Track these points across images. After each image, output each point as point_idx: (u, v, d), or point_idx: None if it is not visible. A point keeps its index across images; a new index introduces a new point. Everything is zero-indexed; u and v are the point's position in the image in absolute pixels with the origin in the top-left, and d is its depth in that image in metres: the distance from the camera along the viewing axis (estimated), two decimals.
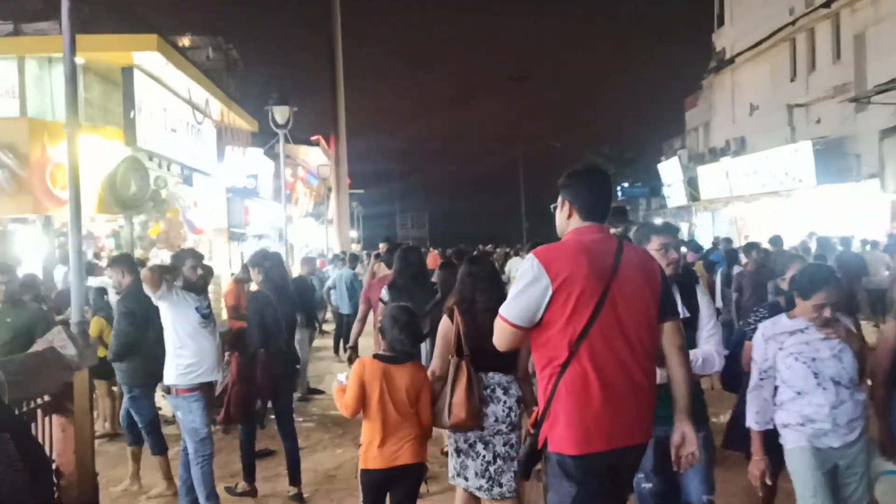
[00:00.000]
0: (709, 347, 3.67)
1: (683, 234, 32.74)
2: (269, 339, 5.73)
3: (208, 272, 6.23)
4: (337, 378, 4.14)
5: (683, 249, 12.47)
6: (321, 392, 9.91)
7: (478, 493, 4.12)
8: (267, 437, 7.52)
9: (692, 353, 3.45)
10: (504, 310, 2.92)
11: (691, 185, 29.30)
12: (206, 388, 5.32)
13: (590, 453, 2.79)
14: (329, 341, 13.78)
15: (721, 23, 29.67)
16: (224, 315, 9.58)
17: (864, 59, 19.56)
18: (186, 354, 5.18)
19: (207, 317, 5.33)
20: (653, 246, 3.67)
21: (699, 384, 3.73)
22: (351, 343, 6.72)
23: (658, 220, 39.23)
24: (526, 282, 2.86)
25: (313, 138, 26.33)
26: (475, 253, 9.01)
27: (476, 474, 4.08)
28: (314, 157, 29.29)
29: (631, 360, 2.85)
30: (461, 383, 3.79)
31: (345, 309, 12.69)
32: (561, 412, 2.82)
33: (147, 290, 5.09)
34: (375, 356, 3.98)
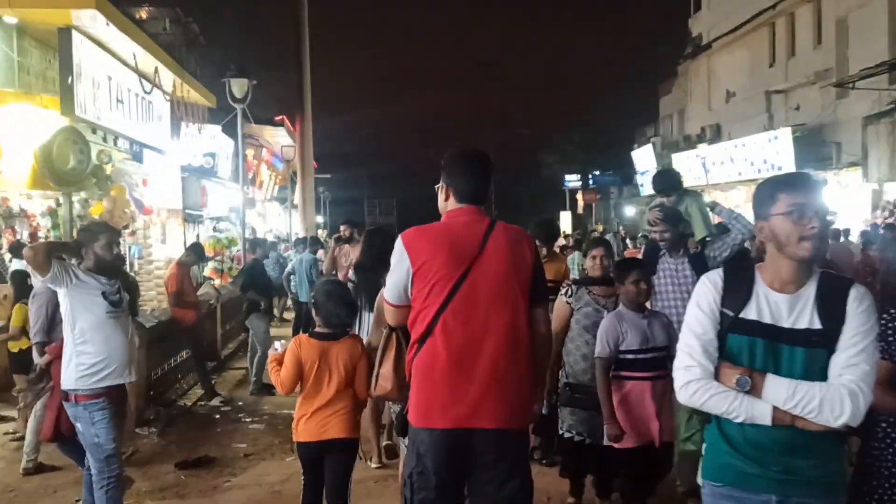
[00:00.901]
0: (842, 381, 2.22)
1: None
2: None
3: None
4: (273, 346, 4.12)
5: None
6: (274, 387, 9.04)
7: None
8: (208, 441, 6.68)
9: (806, 390, 2.21)
10: (385, 289, 3.11)
11: None
12: (113, 393, 4.39)
13: (429, 427, 2.85)
14: (289, 330, 12.91)
15: (698, 7, 29.12)
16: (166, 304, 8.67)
17: (845, 44, 19.02)
18: (90, 351, 4.27)
19: (117, 304, 4.41)
20: (779, 208, 2.28)
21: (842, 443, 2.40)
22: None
23: (630, 209, 38.91)
24: (394, 262, 3.00)
25: (277, 118, 25.23)
26: None
27: None
28: (279, 138, 28.23)
29: (488, 344, 2.85)
30: (390, 355, 3.57)
31: (304, 296, 11.82)
32: (413, 385, 2.94)
33: (33, 272, 4.17)
34: (311, 334, 4.02)
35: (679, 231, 5.05)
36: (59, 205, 10.65)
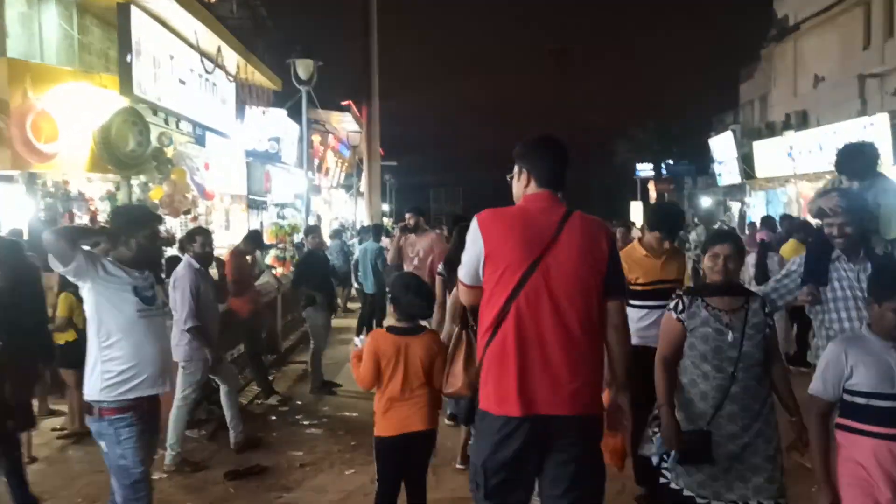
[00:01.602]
0: None
1: (734, 216, 31.00)
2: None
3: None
4: (354, 342, 4.19)
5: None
6: (337, 386, 8.48)
7: None
8: (262, 447, 6.14)
9: None
10: (460, 268, 3.09)
11: (745, 161, 27.42)
12: (144, 407, 3.77)
13: (505, 415, 2.84)
14: (354, 321, 12.34)
15: None
16: None
17: None
18: (118, 356, 3.67)
19: (151, 301, 3.82)
20: None
21: None
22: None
23: (706, 200, 37.41)
24: (469, 243, 3.00)
25: (344, 103, 24.80)
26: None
27: None
28: (345, 124, 27.82)
29: (559, 332, 2.85)
30: (460, 354, 3.61)
31: (369, 288, 11.24)
32: (484, 372, 2.93)
33: (53, 260, 3.60)
34: (388, 328, 4.01)
35: (863, 227, 4.03)
36: (118, 189, 10.28)
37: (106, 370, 3.66)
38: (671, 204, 5.87)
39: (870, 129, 18.94)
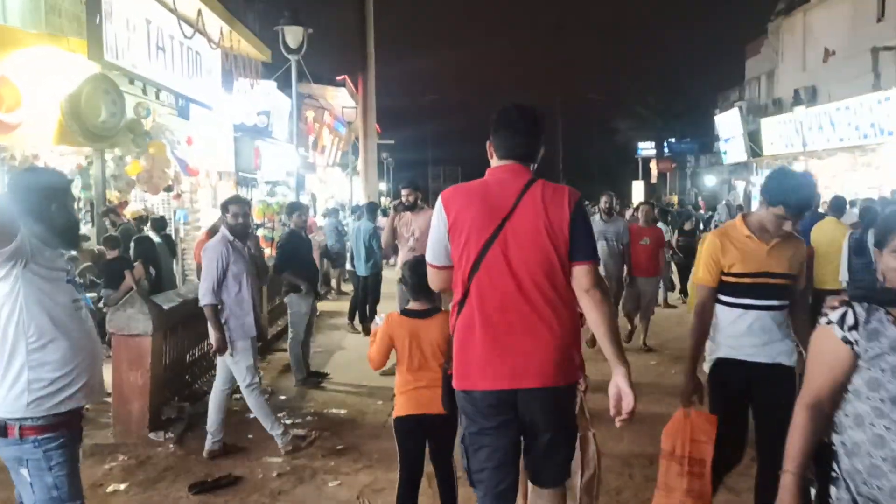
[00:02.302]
0: None
1: (739, 194, 30.24)
2: None
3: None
4: (375, 320, 4.18)
5: None
6: (324, 377, 7.79)
7: None
8: (236, 452, 5.45)
9: None
10: (426, 252, 3.04)
11: (752, 139, 26.67)
12: (75, 422, 3.03)
13: (471, 390, 2.84)
14: (346, 304, 11.64)
15: None
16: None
17: None
18: (51, 360, 2.91)
19: (79, 289, 3.09)
20: None
21: None
22: None
23: (711, 179, 36.66)
24: (433, 220, 2.97)
25: (339, 78, 23.98)
26: None
27: None
28: (340, 99, 27.02)
29: (521, 302, 2.80)
30: None
31: (361, 270, 10.52)
32: (455, 348, 2.92)
33: None
34: (402, 311, 4.01)
35: None
36: (89, 163, 9.55)
37: (35, 379, 2.89)
38: (802, 173, 4.08)
39: (885, 103, 18.20)
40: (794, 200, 3.53)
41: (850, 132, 19.82)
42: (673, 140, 41.70)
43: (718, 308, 3.71)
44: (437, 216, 2.94)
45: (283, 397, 7.09)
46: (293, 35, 12.04)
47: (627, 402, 2.73)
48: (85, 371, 3.01)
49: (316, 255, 13.97)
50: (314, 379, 7.63)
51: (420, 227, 7.79)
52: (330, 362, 8.70)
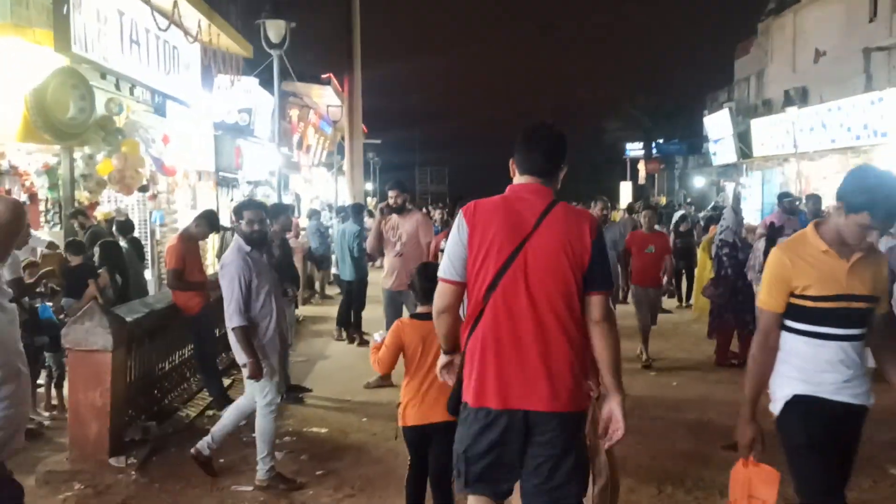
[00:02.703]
0: None
1: (728, 196, 29.95)
2: None
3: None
4: (373, 337, 4.17)
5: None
6: (306, 392, 7.33)
7: None
8: (204, 482, 4.97)
9: None
10: (440, 267, 2.99)
11: (741, 140, 26.41)
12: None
13: (483, 407, 2.82)
14: (334, 310, 11.16)
15: None
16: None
17: None
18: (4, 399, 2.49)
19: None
20: None
21: None
22: None
23: (700, 180, 36.39)
24: (452, 234, 2.93)
25: (324, 76, 23.48)
26: None
27: None
28: (326, 98, 26.48)
29: (535, 324, 2.79)
30: None
31: (346, 274, 10.07)
32: (466, 363, 2.91)
33: None
34: (413, 315, 4.07)
35: None
36: (57, 162, 9.04)
37: None
38: (888, 171, 2.93)
39: (878, 105, 17.94)
40: (882, 205, 2.90)
41: (843, 134, 19.58)
42: (661, 141, 41.41)
43: (788, 336, 3.14)
44: (457, 230, 2.90)
45: None
46: (275, 29, 11.54)
47: (618, 432, 2.83)
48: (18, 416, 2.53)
49: (299, 257, 13.55)
50: (294, 394, 7.16)
51: (407, 230, 7.37)
52: (312, 374, 8.24)
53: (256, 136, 15.85)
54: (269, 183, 20.19)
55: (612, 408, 2.83)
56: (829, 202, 15.28)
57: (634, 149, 44.78)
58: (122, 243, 8.37)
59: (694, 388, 7.46)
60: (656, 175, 45.24)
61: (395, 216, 7.46)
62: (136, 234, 9.75)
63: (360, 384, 7.48)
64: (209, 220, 6.65)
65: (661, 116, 42.32)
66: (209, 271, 9.16)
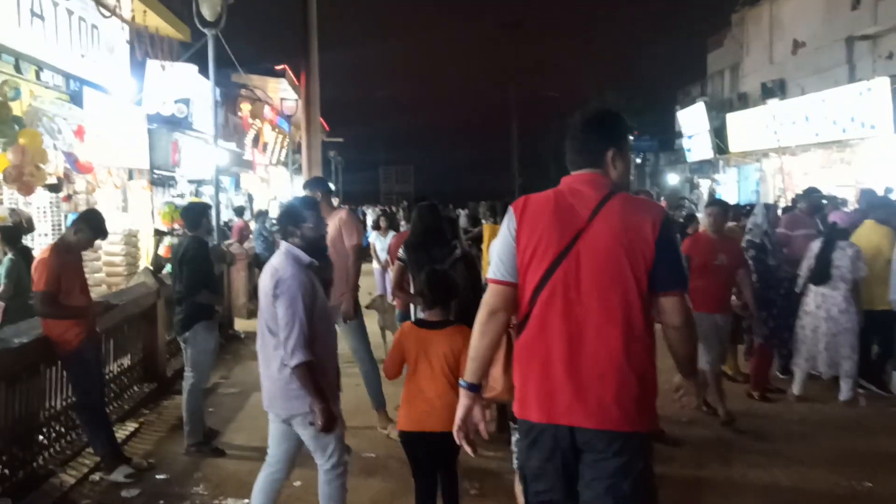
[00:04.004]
0: None
1: (703, 194, 28.97)
2: None
3: None
4: None
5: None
6: (214, 435, 5.90)
7: None
8: None
9: None
10: (490, 268, 2.78)
11: (717, 135, 25.41)
12: None
13: (527, 419, 2.63)
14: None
15: None
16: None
17: None
18: None
19: None
20: None
21: None
22: None
23: (673, 177, 35.39)
24: (501, 231, 2.74)
25: (278, 67, 21.95)
26: None
27: None
28: (283, 93, 24.93)
29: (587, 330, 2.52)
30: (500, 354, 2.98)
31: None
32: (515, 372, 2.71)
33: None
34: (416, 321, 4.10)
35: None
36: None
37: None
38: None
39: (867, 95, 16.92)
40: None
41: (827, 126, 18.62)
42: (632, 137, 40.43)
43: None
44: (505, 227, 2.71)
45: (161, 476, 5.14)
46: (209, 4, 10.08)
47: (691, 396, 2.76)
48: None
49: (243, 264, 12.08)
50: (211, 443, 5.72)
51: (329, 233, 6.06)
52: (243, 409, 6.81)
53: (196, 129, 14.29)
54: (216, 182, 18.66)
55: (687, 385, 2.74)
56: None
57: None
58: (9, 254, 6.81)
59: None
60: None
61: (256, 227, 6.11)
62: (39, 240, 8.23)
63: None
64: (92, 224, 5.10)
65: (631, 112, 41.25)
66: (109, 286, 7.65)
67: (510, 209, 2.68)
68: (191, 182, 15.45)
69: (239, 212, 15.61)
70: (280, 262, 3.68)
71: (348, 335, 6.05)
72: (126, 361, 6.80)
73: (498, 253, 2.69)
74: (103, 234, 5.22)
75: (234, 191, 20.59)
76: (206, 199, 14.66)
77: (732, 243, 6.34)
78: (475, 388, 2.76)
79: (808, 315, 6.46)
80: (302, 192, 16.71)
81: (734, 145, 24.02)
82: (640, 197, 2.82)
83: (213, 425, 6.18)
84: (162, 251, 10.08)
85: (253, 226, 14.19)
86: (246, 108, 21.30)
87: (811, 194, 8.47)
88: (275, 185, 28.28)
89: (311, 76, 21.12)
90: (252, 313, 12.51)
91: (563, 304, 2.53)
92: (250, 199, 21.36)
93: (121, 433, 5.79)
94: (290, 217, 3.81)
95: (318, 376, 3.55)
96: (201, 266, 5.78)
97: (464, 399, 2.76)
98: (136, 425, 6.12)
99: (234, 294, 11.80)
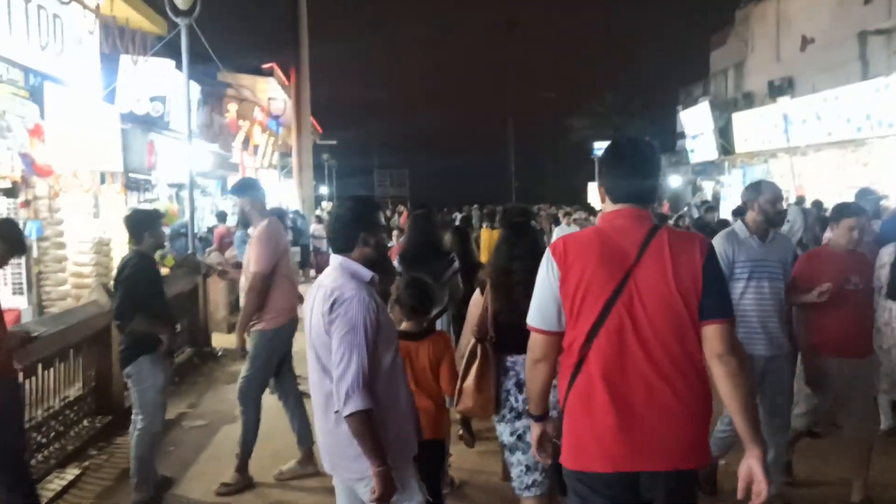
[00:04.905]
0: None
1: (707, 195, 28.15)
2: None
3: None
4: None
5: None
6: (167, 485, 5.00)
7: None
8: None
9: None
10: (528, 315, 2.68)
11: (721, 135, 24.59)
12: None
13: (587, 471, 2.51)
14: None
15: None
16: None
17: None
18: None
19: None
20: None
21: None
22: None
23: (675, 179, 34.58)
24: (540, 277, 2.65)
25: (266, 66, 21.07)
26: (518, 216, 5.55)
27: (524, 471, 3.65)
28: (273, 93, 24.08)
29: (647, 370, 2.46)
30: (472, 369, 3.47)
31: None
32: (567, 422, 2.59)
33: None
34: (399, 334, 3.65)
35: None
36: None
37: None
38: None
39: (884, 91, 16.11)
40: None
41: (841, 125, 17.84)
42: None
43: None
44: (544, 271, 2.60)
45: None
46: None
47: (760, 489, 2.39)
48: None
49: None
50: (161, 496, 4.81)
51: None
52: (208, 448, 5.91)
53: (174, 129, 13.39)
54: (203, 187, 17.78)
55: (752, 464, 2.41)
56: (826, 201, 13.23)
57: (603, 148, 42.94)
58: None
59: None
60: None
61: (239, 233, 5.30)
62: None
63: (275, 467, 5.22)
64: (6, 237, 4.19)
65: (631, 114, 40.53)
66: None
67: (548, 253, 2.58)
68: (171, 186, 14.54)
69: (222, 217, 14.68)
70: (335, 279, 2.93)
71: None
72: (73, 392, 5.87)
73: (538, 301, 2.61)
74: (20, 248, 4.30)
75: (221, 195, 19.68)
76: (165, 204, 13.77)
77: (864, 261, 4.78)
78: (540, 418, 2.80)
79: (880, 333, 5.33)
80: (293, 196, 15.73)
81: (740, 146, 23.25)
82: (682, 231, 2.78)
83: (170, 470, 5.28)
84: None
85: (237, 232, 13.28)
86: (232, 108, 20.41)
87: (867, 195, 7.54)
88: (265, 189, 27.44)
89: (302, 73, 20.32)
90: (233, 327, 11.61)
91: (620, 346, 2.46)
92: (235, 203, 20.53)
93: (55, 485, 4.88)
94: (353, 223, 3.03)
95: (376, 428, 2.80)
96: (138, 288, 4.80)
97: (535, 429, 2.82)
98: (77, 472, 5.21)
99: (213, 307, 10.91)
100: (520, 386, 3.55)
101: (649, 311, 2.45)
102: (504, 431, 3.68)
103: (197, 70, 14.49)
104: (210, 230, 15.17)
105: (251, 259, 5.05)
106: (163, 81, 12.47)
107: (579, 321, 2.50)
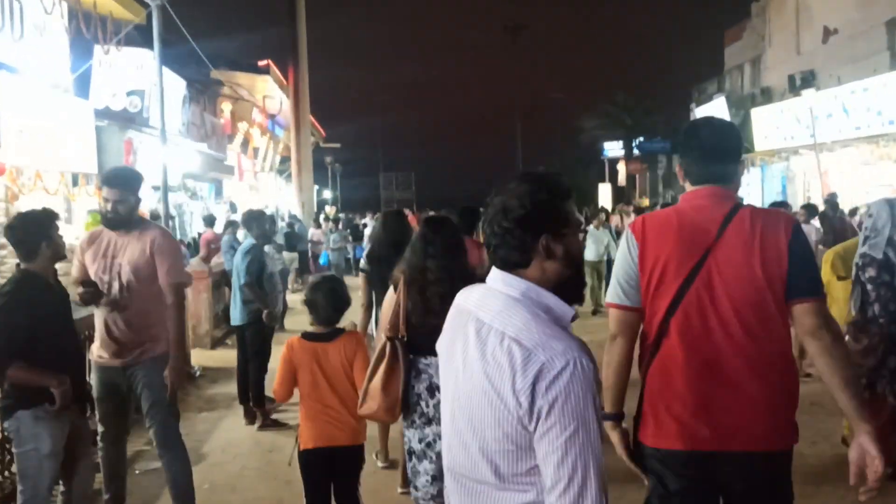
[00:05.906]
0: None
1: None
2: None
3: None
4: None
5: None
6: None
7: None
8: None
9: None
10: (607, 293, 2.67)
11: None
12: None
13: (664, 448, 2.49)
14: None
15: None
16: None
17: None
18: None
19: None
20: None
21: None
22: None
23: None
24: (620, 254, 2.65)
25: (261, 63, 20.13)
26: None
27: (430, 480, 3.52)
28: (268, 91, 23.12)
29: (727, 350, 2.41)
30: (380, 368, 3.39)
31: (236, 318, 6.69)
32: (646, 399, 2.55)
33: None
34: (304, 335, 3.81)
35: None
36: None
37: None
38: None
39: None
40: None
41: (871, 119, 16.88)
42: (643, 139, 38.55)
43: None
44: (626, 248, 2.57)
45: None
46: None
47: (875, 467, 2.27)
48: None
49: (205, 285, 10.20)
50: None
51: (130, 261, 4.22)
52: (161, 499, 4.88)
53: (154, 126, 12.40)
54: (192, 189, 16.83)
55: (862, 442, 2.30)
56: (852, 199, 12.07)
57: (613, 148, 42.04)
58: None
59: None
60: (637, 176, 42.57)
61: (108, 234, 4.27)
62: None
63: None
64: None
65: (643, 113, 39.46)
66: None
67: (628, 230, 2.59)
68: (155, 189, 13.56)
69: (209, 221, 13.69)
70: (528, 326, 1.67)
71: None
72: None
73: (617, 276, 2.58)
74: None
75: (214, 199, 18.71)
76: (182, 206, 12.76)
77: None
78: (615, 418, 2.64)
79: None
80: (291, 199, 14.60)
81: (759, 143, 22.25)
82: (766, 209, 2.64)
83: None
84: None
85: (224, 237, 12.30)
86: (226, 107, 19.43)
87: None
88: (266, 194, 26.43)
89: (300, 69, 19.37)
90: (217, 342, 10.61)
91: (700, 326, 2.42)
92: (233, 208, 19.48)
93: None
94: (530, 220, 1.75)
95: None
96: (16, 321, 3.62)
97: (613, 435, 2.64)
98: None
99: (195, 321, 9.91)
100: (432, 390, 3.49)
101: (729, 290, 2.41)
102: (413, 437, 3.60)
103: (190, 69, 13.53)
104: (198, 235, 14.22)
105: (166, 266, 4.26)
106: (140, 73, 11.47)
107: (657, 299, 2.48)
